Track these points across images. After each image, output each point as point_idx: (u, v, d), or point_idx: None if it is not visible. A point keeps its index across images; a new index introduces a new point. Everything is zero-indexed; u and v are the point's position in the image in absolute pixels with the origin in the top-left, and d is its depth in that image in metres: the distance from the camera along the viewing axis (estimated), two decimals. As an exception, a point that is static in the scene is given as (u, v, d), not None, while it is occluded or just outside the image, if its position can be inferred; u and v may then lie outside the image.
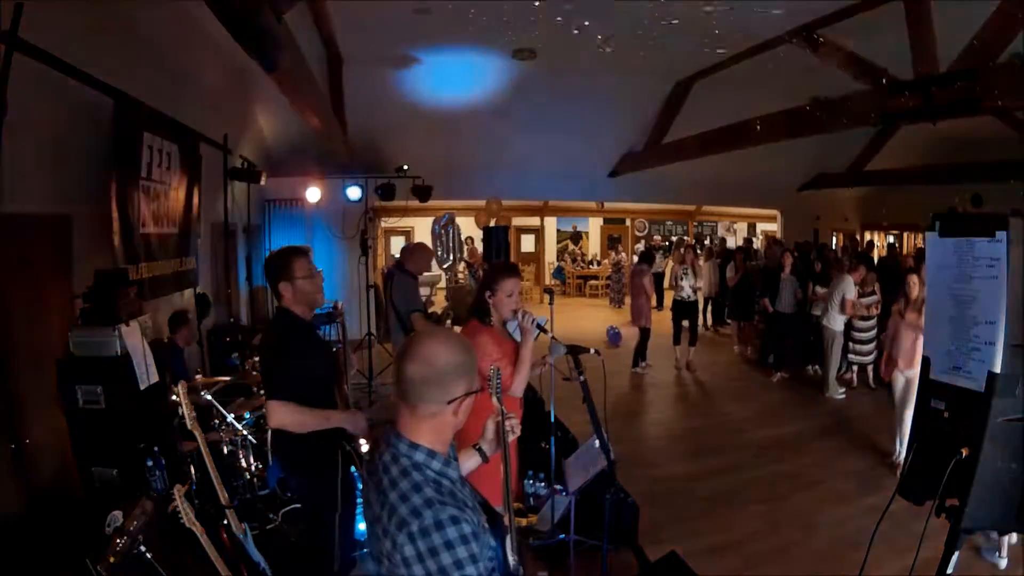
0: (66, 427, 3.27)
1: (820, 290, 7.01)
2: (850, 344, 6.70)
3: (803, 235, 12.14)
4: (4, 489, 2.91)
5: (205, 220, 5.76)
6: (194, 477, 3.42)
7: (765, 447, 5.23)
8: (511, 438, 1.64)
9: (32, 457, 3.09)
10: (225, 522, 2.65)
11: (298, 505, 3.50)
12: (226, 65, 5.94)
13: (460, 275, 12.72)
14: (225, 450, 3.76)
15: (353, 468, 2.72)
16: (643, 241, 16.36)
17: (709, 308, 11.01)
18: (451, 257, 9.62)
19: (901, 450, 4.62)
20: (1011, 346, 1.71)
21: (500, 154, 9.54)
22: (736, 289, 8.91)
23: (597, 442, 2.72)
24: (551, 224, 16.61)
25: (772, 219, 14.71)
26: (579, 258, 16.73)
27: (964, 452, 1.75)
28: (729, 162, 9.07)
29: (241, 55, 4.07)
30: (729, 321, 9.99)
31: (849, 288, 6.21)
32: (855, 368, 7.01)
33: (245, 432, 3.76)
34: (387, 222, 13.22)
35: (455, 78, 7.75)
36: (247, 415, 3.86)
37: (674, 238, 16.91)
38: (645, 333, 7.67)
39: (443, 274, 12.61)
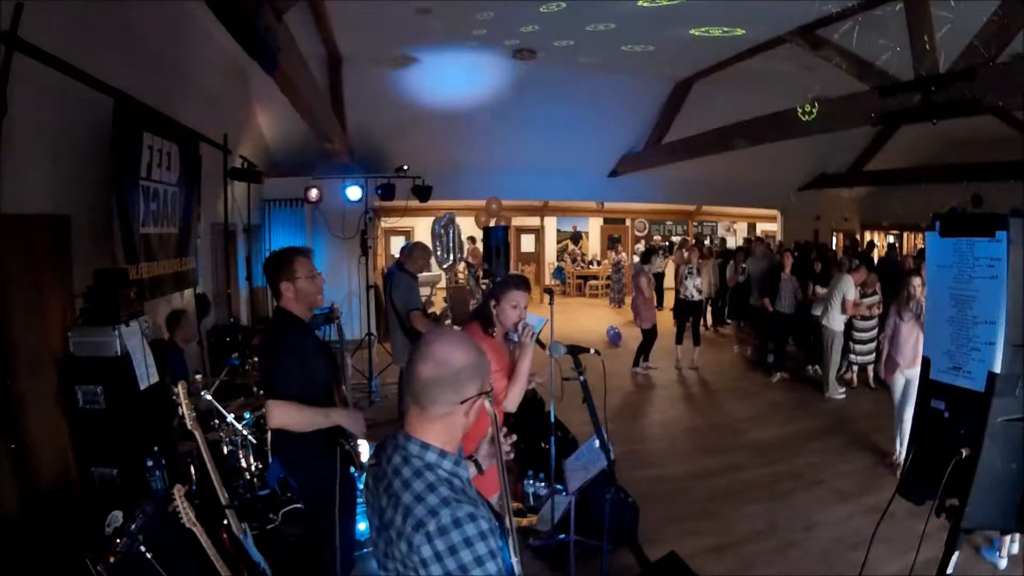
0: (66, 427, 3.28)
1: (820, 290, 7.01)
2: (851, 344, 6.70)
3: (803, 235, 12.14)
4: (4, 489, 2.91)
5: (205, 220, 5.76)
6: (194, 477, 3.42)
7: (765, 447, 5.23)
8: (506, 458, 1.69)
9: (32, 457, 3.09)
10: (225, 522, 2.65)
11: (298, 505, 3.50)
12: (226, 65, 5.95)
13: (460, 275, 12.70)
14: (225, 450, 3.76)
15: (352, 468, 2.71)
16: (643, 241, 16.36)
17: (709, 308, 11.02)
18: (451, 257, 9.61)
19: (901, 450, 4.62)
20: (1011, 346, 1.71)
21: (500, 154, 9.55)
22: (736, 289, 8.91)
23: (597, 442, 2.72)
24: (551, 224, 16.60)
25: (772, 219, 14.71)
26: (579, 258, 16.73)
27: (964, 452, 1.75)
28: (729, 162, 9.09)
29: (241, 55, 4.08)
30: (729, 321, 10.00)
31: (849, 288, 6.20)
32: (855, 368, 7.01)
33: (245, 432, 3.76)
34: (387, 222, 13.22)
35: (455, 78, 7.75)
36: (247, 415, 3.86)
37: (674, 238, 16.91)
38: (646, 334, 7.66)
39: (443, 274, 12.61)
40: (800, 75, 6.73)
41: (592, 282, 15.91)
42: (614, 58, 7.15)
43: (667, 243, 16.37)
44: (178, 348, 4.33)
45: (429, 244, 8.05)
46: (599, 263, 16.45)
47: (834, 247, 13.34)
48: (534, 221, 16.16)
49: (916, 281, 4.63)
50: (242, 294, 7.44)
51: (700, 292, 7.88)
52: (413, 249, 5.06)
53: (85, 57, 3.40)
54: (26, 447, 3.03)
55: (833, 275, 6.74)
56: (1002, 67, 4.10)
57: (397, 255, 6.13)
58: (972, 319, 1.81)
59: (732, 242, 16.11)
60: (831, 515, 3.96)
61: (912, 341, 4.55)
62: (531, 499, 3.99)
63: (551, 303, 3.97)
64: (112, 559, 2.19)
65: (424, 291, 9.58)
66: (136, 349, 3.36)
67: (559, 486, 3.62)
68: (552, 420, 3.81)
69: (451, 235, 9.55)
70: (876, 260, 10.40)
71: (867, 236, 14.21)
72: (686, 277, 7.77)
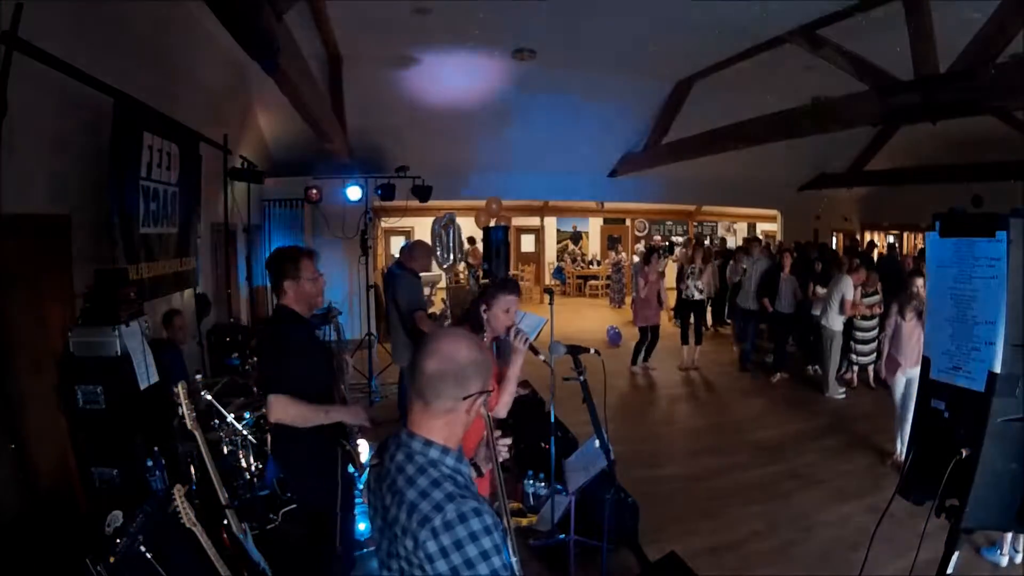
0: (66, 427, 3.27)
1: (820, 290, 7.01)
2: (851, 344, 6.70)
3: (803, 235, 12.13)
4: (4, 489, 2.91)
5: (205, 220, 5.76)
6: (194, 477, 3.42)
7: (765, 447, 5.23)
8: (502, 459, 1.73)
9: (32, 457, 3.09)
10: (225, 522, 2.65)
11: (297, 505, 3.50)
12: (226, 65, 5.95)
13: (460, 275, 12.70)
14: (225, 450, 3.76)
15: (352, 468, 2.71)
16: (643, 241, 16.36)
17: (709, 308, 11.01)
18: (451, 257, 9.61)
19: (903, 449, 4.62)
20: (1011, 346, 1.71)
21: (500, 154, 9.54)
22: (736, 289, 8.90)
23: (597, 442, 2.72)
24: (551, 224, 16.61)
25: (772, 219, 14.71)
26: (579, 258, 16.74)
27: (964, 452, 1.75)
28: (729, 162, 9.07)
29: (241, 55, 4.08)
30: (729, 321, 10.00)
31: (848, 288, 6.20)
32: (855, 368, 7.01)
33: (245, 432, 3.76)
34: (387, 222, 13.22)
35: (455, 78, 7.75)
36: (247, 415, 3.86)
37: (674, 238, 16.92)
38: (640, 332, 7.70)
39: (443, 274, 12.62)
40: (800, 75, 6.73)
41: (592, 282, 15.92)
42: (614, 58, 7.15)
43: (667, 243, 16.38)
44: (176, 348, 4.33)
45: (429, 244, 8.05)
46: (599, 263, 16.45)
47: (834, 247, 13.33)
48: (534, 221, 16.16)
49: (919, 281, 4.64)
50: (242, 294, 7.44)
51: (701, 292, 7.89)
52: (415, 248, 5.07)
53: (85, 57, 3.40)
54: (26, 447, 3.03)
55: (833, 275, 6.75)
56: (1002, 67, 4.10)
57: (397, 255, 6.13)
58: (972, 319, 1.81)
59: (732, 242, 16.12)
60: (831, 515, 3.96)
61: (915, 340, 4.55)
62: (531, 499, 3.99)
63: (551, 303, 3.97)
64: (112, 559, 2.19)
65: (424, 291, 9.56)
66: (136, 349, 3.36)
67: (559, 486, 3.62)
68: (552, 420, 3.81)
69: (451, 235, 9.54)
70: (876, 260, 10.40)
71: (867, 236, 14.19)
72: (688, 277, 7.78)
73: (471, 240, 12.80)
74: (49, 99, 3.30)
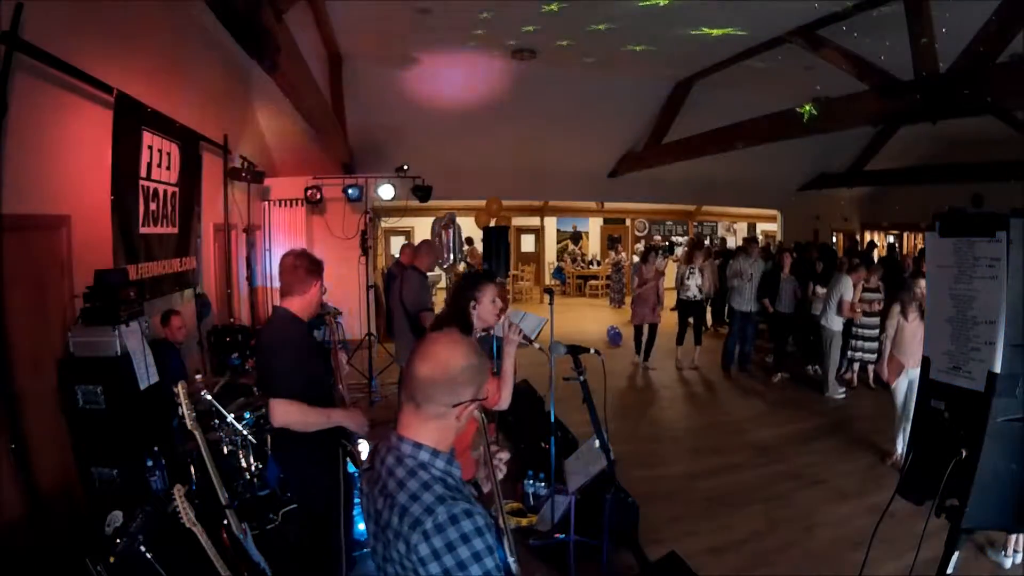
0: (66, 427, 3.28)
1: (820, 290, 7.01)
2: (852, 341, 6.69)
3: (803, 235, 12.13)
4: (5, 489, 2.91)
5: (205, 220, 5.76)
6: (194, 477, 3.42)
7: (765, 447, 5.23)
8: (500, 475, 1.69)
9: (32, 457, 3.09)
10: (225, 522, 2.65)
11: (297, 505, 3.50)
12: (226, 65, 5.94)
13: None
14: (225, 450, 3.76)
15: (352, 467, 2.71)
16: (643, 241, 16.36)
17: (708, 308, 11.01)
18: (451, 257, 9.61)
19: (903, 450, 4.61)
20: (1011, 346, 1.71)
21: (500, 154, 9.54)
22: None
23: (597, 442, 2.72)
24: (551, 224, 16.60)
25: (772, 219, 14.71)
26: (579, 258, 16.73)
27: (964, 452, 1.75)
28: (729, 162, 9.08)
29: (241, 55, 4.08)
30: (728, 321, 9.99)
31: (847, 289, 6.19)
32: (855, 368, 7.01)
33: (245, 432, 3.76)
34: (387, 222, 13.22)
35: (455, 78, 7.75)
36: (247, 415, 3.86)
37: (675, 238, 16.92)
38: (636, 330, 7.73)
39: (443, 274, 12.61)
40: (800, 75, 6.73)
41: (592, 282, 15.92)
42: (614, 58, 7.14)
43: (667, 243, 16.38)
44: (175, 348, 4.33)
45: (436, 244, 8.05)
46: (599, 263, 16.45)
47: (834, 247, 13.33)
48: (534, 221, 16.16)
49: (921, 283, 4.63)
50: (242, 294, 7.44)
51: (701, 292, 7.89)
52: (421, 247, 5.07)
53: (85, 57, 3.40)
54: (26, 447, 3.03)
55: (834, 275, 6.74)
56: (1002, 67, 4.10)
57: (397, 255, 6.13)
58: (972, 319, 1.81)
59: (732, 242, 16.12)
60: (831, 515, 3.96)
61: (918, 340, 4.54)
62: (531, 499, 3.99)
63: (551, 303, 3.97)
64: (112, 559, 2.20)
65: (431, 291, 9.56)
66: (136, 349, 3.36)
67: (559, 486, 3.62)
68: (552, 420, 3.81)
69: (451, 235, 9.54)
70: (876, 260, 10.39)
71: (867, 236, 14.20)
72: (687, 277, 7.78)
73: (469, 241, 12.80)
74: (49, 99, 3.30)
